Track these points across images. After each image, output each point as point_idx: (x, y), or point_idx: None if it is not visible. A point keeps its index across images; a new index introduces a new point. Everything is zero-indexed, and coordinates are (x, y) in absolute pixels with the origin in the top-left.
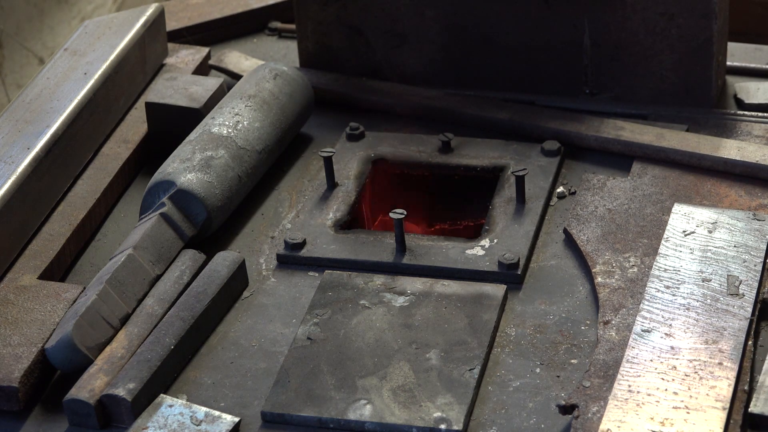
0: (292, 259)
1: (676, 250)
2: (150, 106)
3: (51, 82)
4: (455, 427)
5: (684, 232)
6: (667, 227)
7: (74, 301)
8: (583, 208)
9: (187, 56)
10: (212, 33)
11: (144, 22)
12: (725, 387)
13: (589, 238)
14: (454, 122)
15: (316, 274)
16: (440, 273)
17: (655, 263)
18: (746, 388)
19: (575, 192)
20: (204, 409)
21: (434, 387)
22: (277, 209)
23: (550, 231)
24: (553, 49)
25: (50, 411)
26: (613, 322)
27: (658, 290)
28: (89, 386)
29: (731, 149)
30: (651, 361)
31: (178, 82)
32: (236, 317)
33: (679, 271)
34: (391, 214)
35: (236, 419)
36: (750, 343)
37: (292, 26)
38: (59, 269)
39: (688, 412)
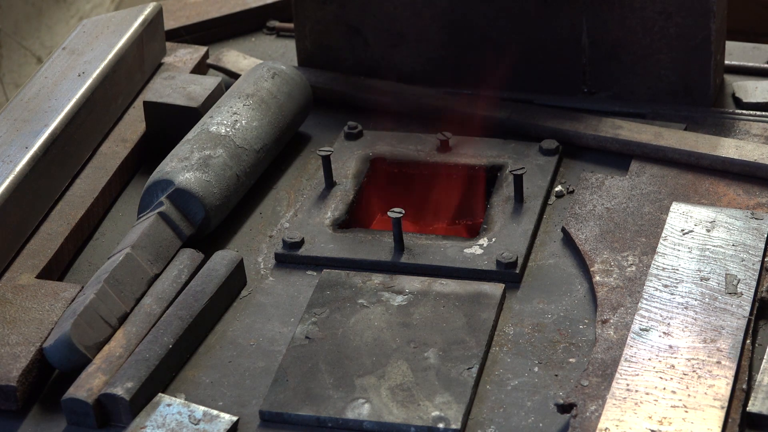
0: (290, 258)
1: (674, 248)
2: (148, 105)
3: (49, 81)
4: (453, 426)
5: (682, 230)
6: (666, 226)
7: (72, 300)
8: (582, 207)
9: (185, 55)
10: (210, 32)
11: (142, 21)
12: (723, 386)
13: (588, 237)
14: (452, 121)
15: (315, 273)
16: (438, 272)
17: (653, 262)
18: (744, 386)
19: (573, 191)
20: (202, 408)
21: (432, 386)
22: (275, 208)
23: (549, 230)
24: (551, 47)
25: (48, 410)
26: (612, 321)
27: (657, 289)
28: (87, 385)
29: (729, 148)
30: (649, 360)
31: (177, 81)
32: (234, 316)
33: (677, 269)
34: (389, 213)
35: (234, 418)
36: (748, 341)
37: (291, 25)
38: (57, 268)
39: (686, 411)
